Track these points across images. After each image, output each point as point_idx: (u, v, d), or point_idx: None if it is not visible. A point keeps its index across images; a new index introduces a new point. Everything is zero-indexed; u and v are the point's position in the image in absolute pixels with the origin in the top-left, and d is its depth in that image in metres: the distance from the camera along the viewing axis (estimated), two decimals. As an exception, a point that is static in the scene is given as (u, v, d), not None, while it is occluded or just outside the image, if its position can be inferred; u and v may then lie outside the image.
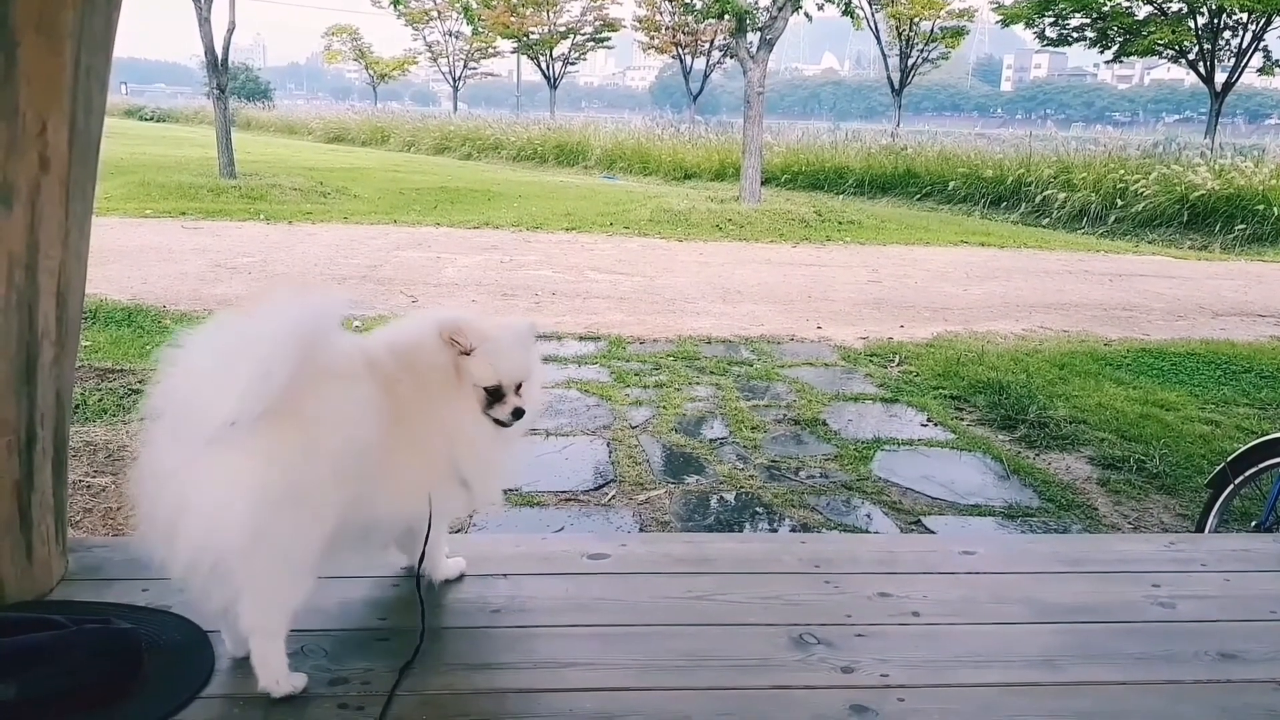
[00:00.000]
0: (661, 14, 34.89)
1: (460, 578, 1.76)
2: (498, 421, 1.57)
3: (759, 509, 3.67)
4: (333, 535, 1.39)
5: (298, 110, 43.47)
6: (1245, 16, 21.18)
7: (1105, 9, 23.57)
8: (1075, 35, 24.88)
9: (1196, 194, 13.23)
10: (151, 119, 43.81)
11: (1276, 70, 22.92)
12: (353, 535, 1.45)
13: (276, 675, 1.40)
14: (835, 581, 1.82)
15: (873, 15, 26.55)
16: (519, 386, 1.58)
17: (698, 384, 5.23)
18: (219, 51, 13.56)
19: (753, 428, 4.53)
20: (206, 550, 1.29)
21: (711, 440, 4.38)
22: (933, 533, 3.47)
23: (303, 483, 1.32)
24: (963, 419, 4.81)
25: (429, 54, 44.41)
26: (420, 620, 1.56)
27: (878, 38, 28.26)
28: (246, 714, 1.37)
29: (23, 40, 1.45)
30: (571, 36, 39.50)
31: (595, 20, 39.32)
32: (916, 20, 27.76)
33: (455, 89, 43.84)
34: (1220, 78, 22.02)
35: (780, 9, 12.63)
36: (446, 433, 1.54)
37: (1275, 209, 12.66)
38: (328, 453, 1.33)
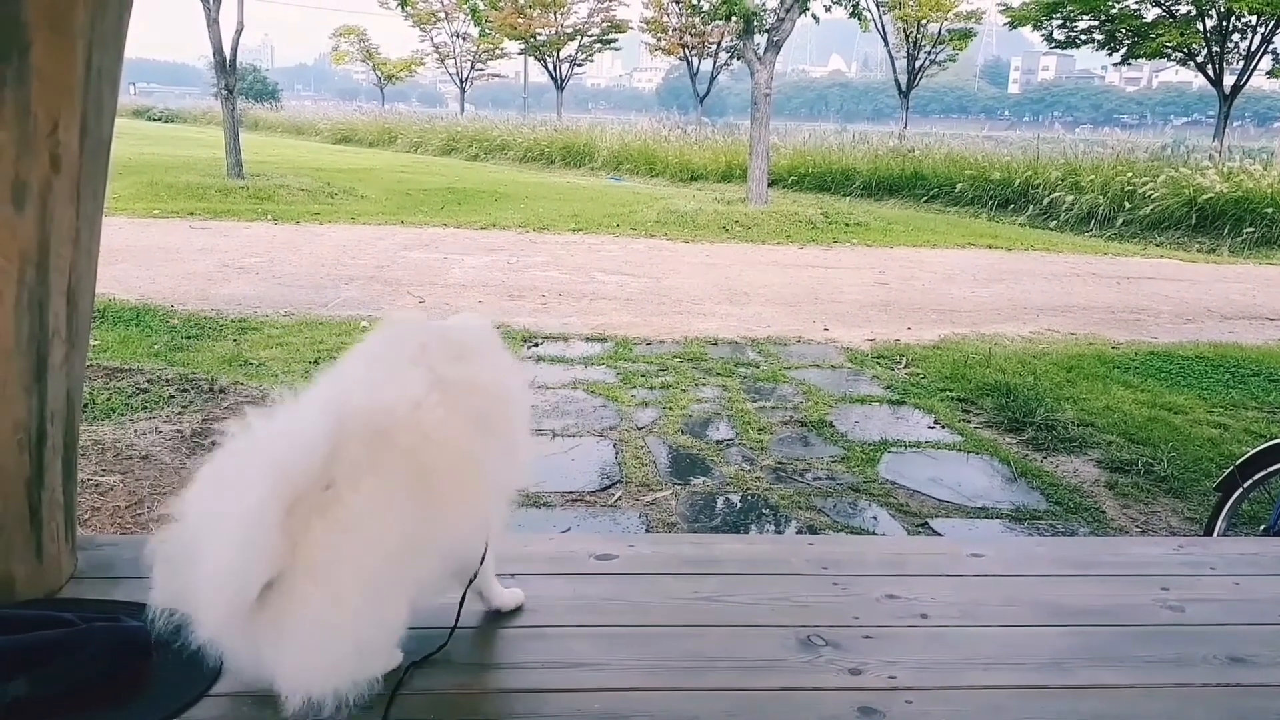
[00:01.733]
0: (669, 15, 34.90)
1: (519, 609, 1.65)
2: None
3: (765, 511, 3.67)
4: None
5: (305, 111, 43.68)
6: (1254, 19, 21.10)
7: (1113, 11, 23.49)
8: (1083, 37, 24.81)
9: (1205, 197, 13.16)
10: (160, 119, 44.06)
11: (1285, 73, 22.85)
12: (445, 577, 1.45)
13: None
14: (843, 583, 1.81)
15: (880, 17, 26.50)
16: None
17: (704, 385, 5.23)
18: (227, 52, 13.61)
19: (759, 429, 4.52)
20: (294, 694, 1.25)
21: (718, 442, 4.38)
22: (940, 535, 3.47)
23: (360, 609, 1.22)
24: (970, 421, 4.80)
25: (436, 55, 44.47)
26: (452, 625, 1.54)
27: (885, 40, 28.20)
28: (255, 712, 1.37)
29: (35, 40, 1.45)
30: (578, 38, 39.53)
31: (602, 22, 39.34)
32: (924, 22, 27.69)
33: (462, 90, 43.89)
34: (1229, 80, 21.93)
35: (787, 11, 12.63)
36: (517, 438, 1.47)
37: (1284, 212, 12.62)
38: (378, 557, 1.23)
